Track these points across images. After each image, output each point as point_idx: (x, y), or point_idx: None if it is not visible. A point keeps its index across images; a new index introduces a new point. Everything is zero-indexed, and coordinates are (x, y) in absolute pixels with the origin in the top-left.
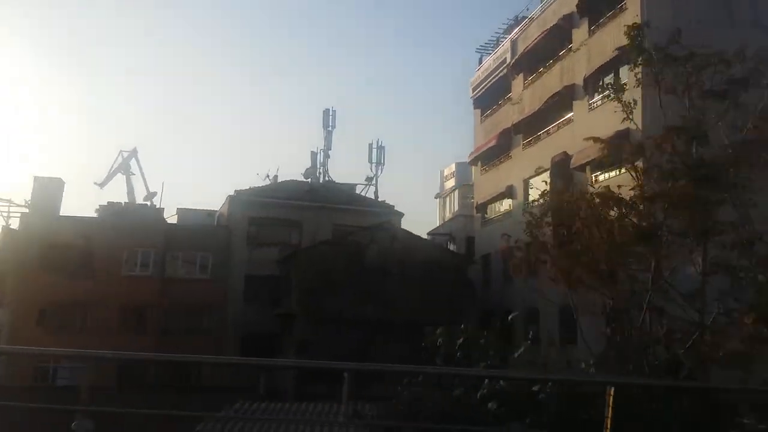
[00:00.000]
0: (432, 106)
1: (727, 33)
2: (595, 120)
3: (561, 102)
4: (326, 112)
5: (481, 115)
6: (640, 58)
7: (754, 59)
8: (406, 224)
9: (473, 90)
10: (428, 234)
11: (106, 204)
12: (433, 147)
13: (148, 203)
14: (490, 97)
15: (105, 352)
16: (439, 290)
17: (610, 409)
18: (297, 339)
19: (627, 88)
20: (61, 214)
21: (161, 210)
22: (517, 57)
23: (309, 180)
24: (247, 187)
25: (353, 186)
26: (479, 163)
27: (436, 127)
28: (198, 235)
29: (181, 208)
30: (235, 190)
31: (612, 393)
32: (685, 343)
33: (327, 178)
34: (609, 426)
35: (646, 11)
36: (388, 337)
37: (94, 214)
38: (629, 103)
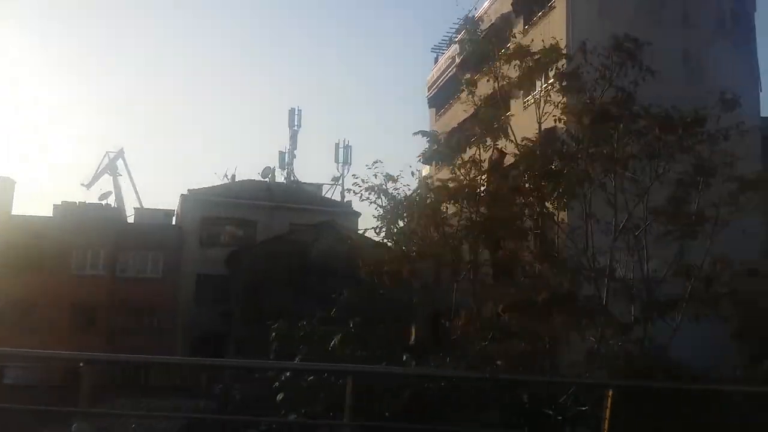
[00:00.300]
0: (402, 105)
1: (656, 31)
2: (531, 119)
3: (502, 101)
4: (292, 111)
5: (436, 114)
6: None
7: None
8: (369, 223)
9: (428, 89)
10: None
11: (60, 203)
12: (402, 146)
13: (136, 204)
14: (443, 96)
15: (103, 354)
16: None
17: (608, 410)
18: (235, 338)
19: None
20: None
21: (121, 210)
22: (462, 57)
23: (267, 179)
24: (203, 186)
25: (319, 186)
26: (433, 163)
27: (401, 126)
28: (150, 234)
29: (138, 208)
30: (188, 189)
31: (611, 395)
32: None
33: (293, 178)
34: (606, 428)
35: (572, 9)
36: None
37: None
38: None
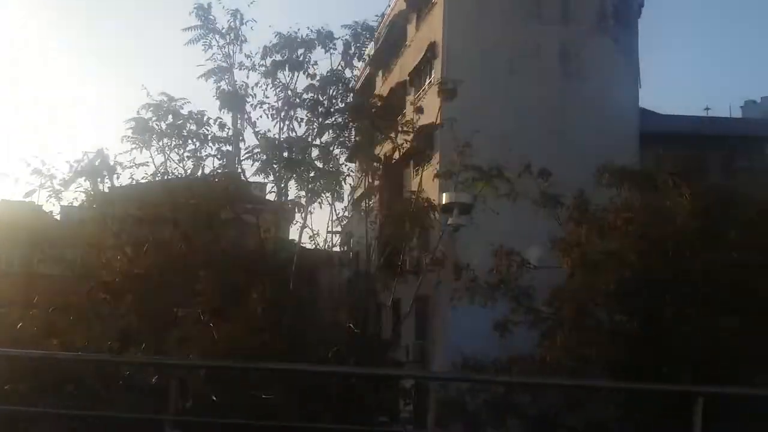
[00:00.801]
0: None
1: (535, 27)
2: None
3: (403, 98)
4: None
5: None
6: None
7: None
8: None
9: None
10: (327, 232)
11: None
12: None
13: None
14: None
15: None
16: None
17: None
18: None
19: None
20: None
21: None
22: (373, 53)
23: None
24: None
25: (264, 185)
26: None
27: None
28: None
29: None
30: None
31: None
32: None
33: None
34: None
35: (449, 6)
36: None
37: None
38: None
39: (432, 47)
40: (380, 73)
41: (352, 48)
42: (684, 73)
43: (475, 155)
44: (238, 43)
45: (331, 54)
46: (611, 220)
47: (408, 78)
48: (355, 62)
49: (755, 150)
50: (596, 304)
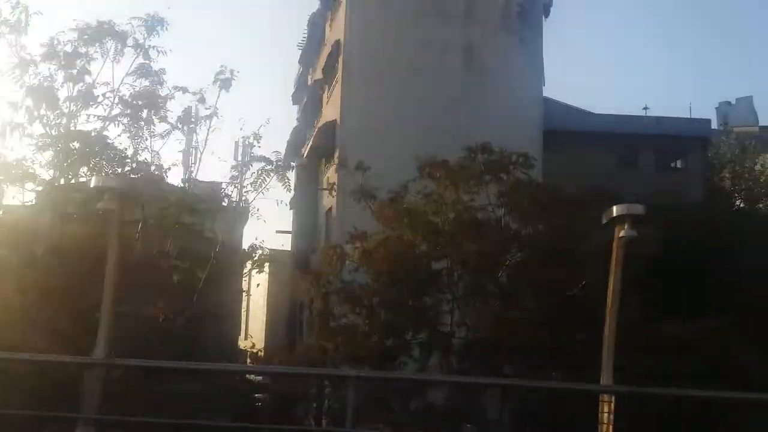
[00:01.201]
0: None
1: (439, 24)
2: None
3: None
4: (187, 110)
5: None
6: None
7: None
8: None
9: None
10: (277, 232)
11: None
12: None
13: None
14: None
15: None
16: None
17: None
18: None
19: None
20: None
21: None
22: (303, 46)
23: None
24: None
25: (219, 184)
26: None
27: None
28: None
29: None
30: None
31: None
32: None
33: (193, 177)
34: None
35: (351, 3)
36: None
37: None
38: None
39: (337, 46)
40: (310, 71)
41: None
42: (666, 72)
43: (376, 156)
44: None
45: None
46: (387, 213)
47: (322, 75)
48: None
49: (690, 150)
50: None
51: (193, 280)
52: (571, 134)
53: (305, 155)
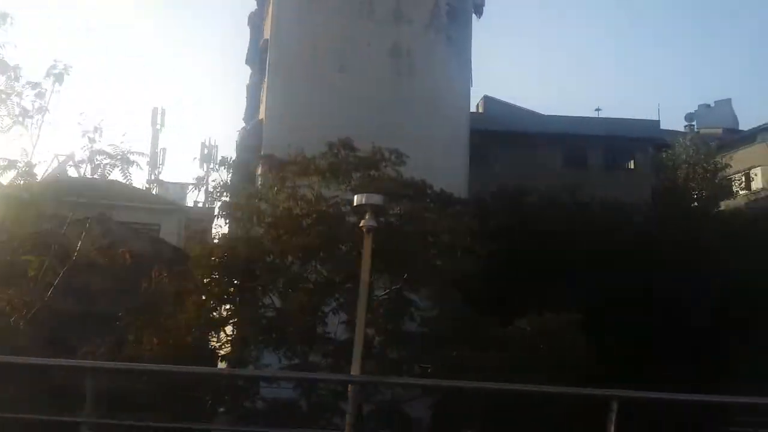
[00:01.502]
0: None
1: (366, 24)
2: None
3: None
4: (155, 110)
5: None
6: None
7: None
8: None
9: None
10: None
11: None
12: None
13: None
14: None
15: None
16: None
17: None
18: None
19: None
20: None
21: None
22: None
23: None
24: None
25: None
26: None
27: None
28: None
29: None
30: None
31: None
32: None
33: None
34: None
35: (278, 1)
36: (84, 332)
37: None
38: None
39: (266, 44)
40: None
41: None
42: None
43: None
44: None
45: None
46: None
47: (259, 75)
48: None
49: (640, 151)
50: None
51: None
52: (522, 135)
53: (235, 157)
